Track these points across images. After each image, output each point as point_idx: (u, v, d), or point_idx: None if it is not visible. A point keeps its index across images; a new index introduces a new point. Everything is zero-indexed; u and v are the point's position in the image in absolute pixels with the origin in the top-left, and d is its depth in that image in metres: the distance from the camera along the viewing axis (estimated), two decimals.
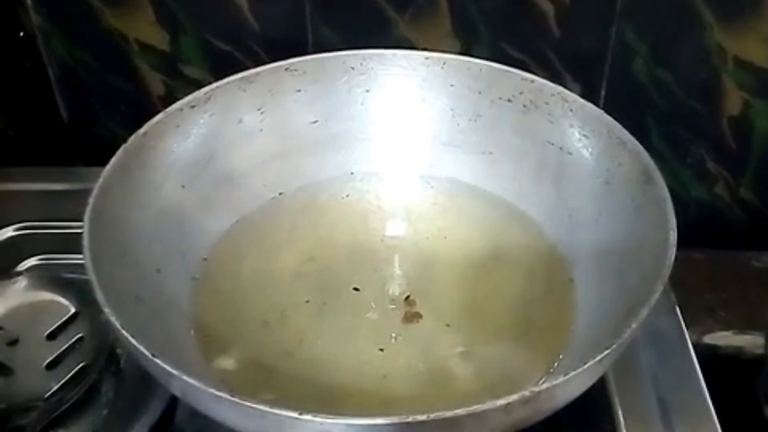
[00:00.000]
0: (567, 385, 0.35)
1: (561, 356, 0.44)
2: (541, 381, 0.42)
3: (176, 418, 0.47)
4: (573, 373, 0.35)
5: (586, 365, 0.35)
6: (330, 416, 0.33)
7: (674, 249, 0.40)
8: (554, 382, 0.34)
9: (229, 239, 0.51)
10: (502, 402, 0.33)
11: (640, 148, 0.46)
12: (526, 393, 0.34)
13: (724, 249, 0.65)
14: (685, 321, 0.53)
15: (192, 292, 0.48)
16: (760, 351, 0.54)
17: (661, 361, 0.50)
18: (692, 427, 0.46)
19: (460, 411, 0.33)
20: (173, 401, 0.47)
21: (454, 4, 0.60)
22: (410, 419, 0.32)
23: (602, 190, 0.48)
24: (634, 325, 0.37)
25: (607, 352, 0.35)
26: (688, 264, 0.62)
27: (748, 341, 0.58)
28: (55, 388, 0.47)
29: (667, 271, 0.39)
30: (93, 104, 0.68)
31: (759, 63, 0.60)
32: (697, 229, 0.66)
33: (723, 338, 0.59)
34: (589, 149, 0.49)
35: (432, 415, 0.33)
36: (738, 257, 0.65)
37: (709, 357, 0.54)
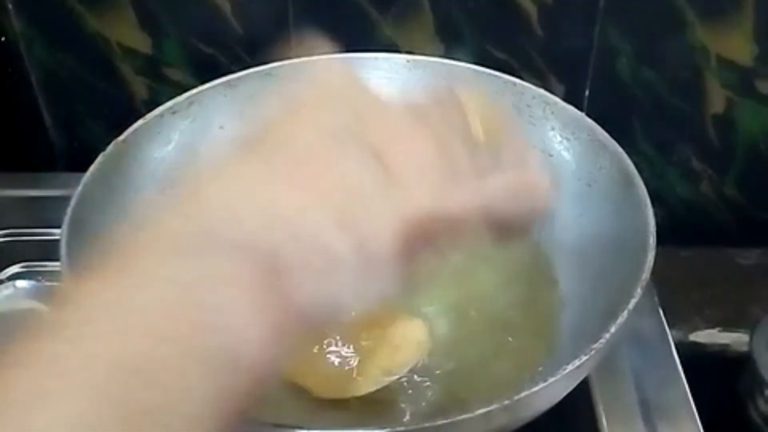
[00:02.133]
0: (547, 391, 0.35)
1: (543, 359, 0.44)
2: (523, 385, 0.42)
3: None
4: (552, 380, 0.35)
5: (566, 371, 0.35)
6: (306, 428, 0.33)
7: (653, 253, 0.40)
8: (534, 389, 0.35)
9: None
10: (482, 410, 0.33)
11: (621, 151, 0.46)
12: (506, 401, 0.34)
13: (710, 247, 0.65)
14: (670, 319, 0.54)
15: None
16: (745, 349, 0.54)
17: (643, 362, 0.50)
18: (674, 428, 0.46)
19: (440, 420, 0.33)
20: None
21: (437, 5, 0.60)
22: (388, 430, 0.32)
23: (584, 192, 0.48)
24: (612, 330, 0.37)
25: (585, 358, 0.35)
26: (674, 262, 0.62)
27: (734, 339, 0.59)
28: None
29: (646, 274, 0.39)
30: (76, 108, 0.67)
31: (741, 62, 0.60)
32: (683, 227, 0.66)
33: (708, 336, 0.59)
34: (571, 152, 0.49)
35: (411, 426, 0.33)
36: (723, 255, 0.65)
37: (695, 355, 0.55)
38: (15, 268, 0.61)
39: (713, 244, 0.66)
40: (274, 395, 0.43)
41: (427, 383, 0.44)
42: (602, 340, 0.36)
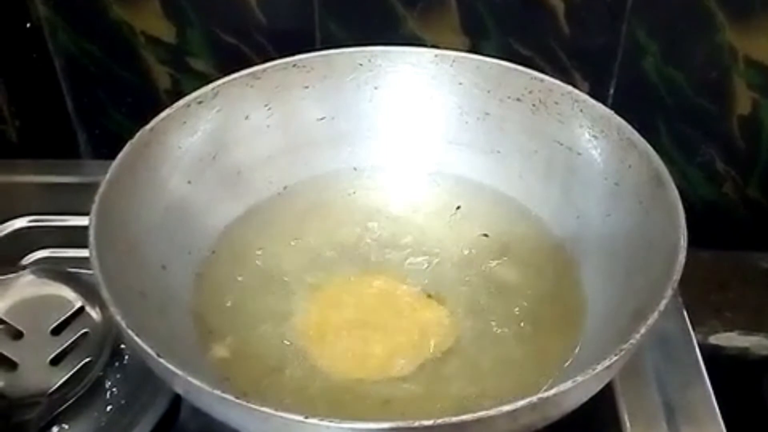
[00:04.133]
0: (574, 391, 0.35)
1: (568, 359, 0.44)
2: (549, 385, 0.42)
3: (181, 414, 0.47)
4: (581, 379, 0.34)
5: (595, 371, 0.35)
6: (336, 420, 0.32)
7: (684, 253, 0.40)
8: (562, 389, 0.34)
9: (235, 235, 0.51)
10: (509, 408, 0.33)
11: (651, 149, 0.45)
12: (534, 399, 0.33)
13: (731, 249, 0.65)
14: (690, 321, 0.53)
15: (196, 287, 0.47)
16: (766, 352, 0.53)
17: (667, 363, 0.50)
18: (698, 430, 0.46)
19: (466, 417, 0.33)
20: (177, 397, 0.47)
21: (463, 0, 0.59)
22: (416, 424, 0.32)
23: (611, 191, 0.47)
24: (643, 331, 0.36)
25: (615, 358, 0.35)
26: (694, 264, 0.61)
27: (754, 342, 0.58)
28: (59, 383, 0.47)
29: (677, 275, 0.39)
30: (99, 96, 0.67)
31: None
32: (704, 228, 0.66)
33: (728, 339, 0.59)
34: (599, 150, 0.48)
35: (438, 420, 0.32)
36: (744, 257, 0.65)
37: (715, 358, 0.54)
38: (39, 254, 0.61)
39: (734, 246, 0.65)
40: (295, 378, 0.43)
41: (451, 377, 0.44)
42: (632, 341, 0.36)
